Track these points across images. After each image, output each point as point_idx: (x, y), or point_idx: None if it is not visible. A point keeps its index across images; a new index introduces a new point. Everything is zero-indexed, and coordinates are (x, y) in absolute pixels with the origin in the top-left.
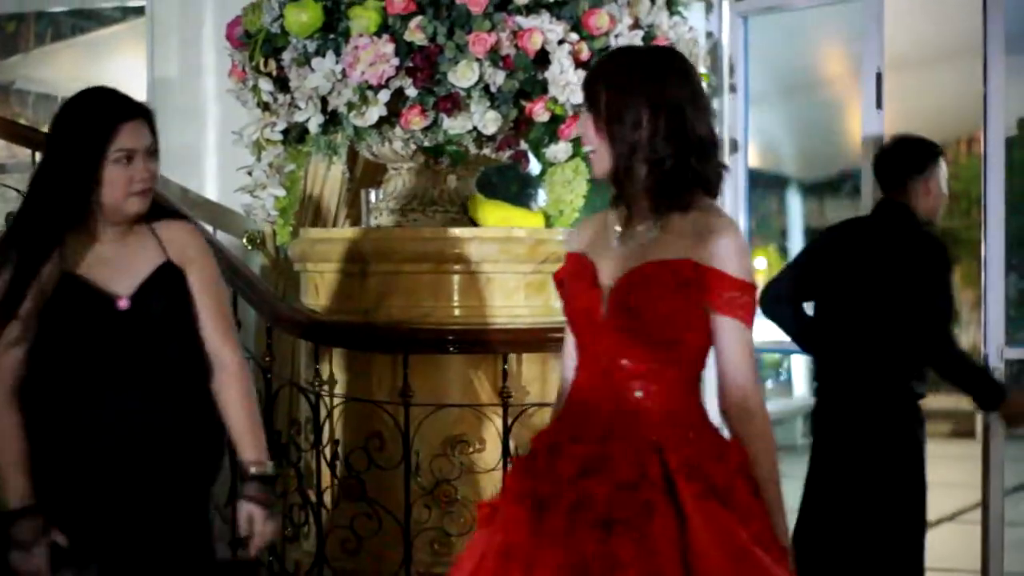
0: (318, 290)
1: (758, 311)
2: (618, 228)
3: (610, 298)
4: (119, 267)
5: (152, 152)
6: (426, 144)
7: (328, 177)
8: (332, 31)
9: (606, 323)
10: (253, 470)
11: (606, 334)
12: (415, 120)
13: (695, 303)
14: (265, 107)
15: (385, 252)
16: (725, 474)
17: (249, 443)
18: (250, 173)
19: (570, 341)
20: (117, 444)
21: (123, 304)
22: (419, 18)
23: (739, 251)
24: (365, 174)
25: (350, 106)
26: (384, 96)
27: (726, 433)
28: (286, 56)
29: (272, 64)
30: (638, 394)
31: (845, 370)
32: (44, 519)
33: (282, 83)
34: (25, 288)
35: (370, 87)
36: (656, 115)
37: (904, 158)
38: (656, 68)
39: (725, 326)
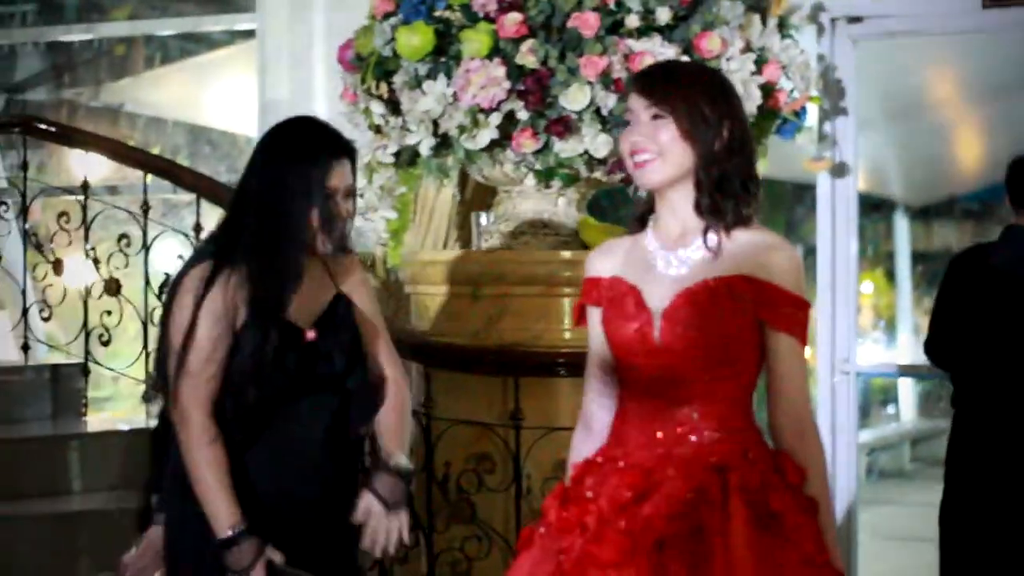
0: (428, 312)
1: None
2: (658, 248)
3: (664, 320)
4: (301, 298)
5: (350, 193)
6: (537, 167)
7: (439, 200)
8: (444, 54)
9: (660, 346)
10: (389, 461)
11: (660, 358)
12: (526, 143)
13: (752, 320)
14: (377, 130)
15: (495, 275)
16: (781, 498)
17: (393, 438)
18: (361, 195)
19: (598, 373)
20: (309, 465)
21: (311, 336)
22: (531, 41)
23: (795, 266)
24: (476, 197)
25: (461, 129)
26: (495, 119)
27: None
28: (397, 79)
29: (384, 87)
30: (694, 416)
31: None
32: (259, 539)
33: (393, 106)
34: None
35: (481, 110)
36: (733, 130)
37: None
38: (728, 84)
39: (781, 343)
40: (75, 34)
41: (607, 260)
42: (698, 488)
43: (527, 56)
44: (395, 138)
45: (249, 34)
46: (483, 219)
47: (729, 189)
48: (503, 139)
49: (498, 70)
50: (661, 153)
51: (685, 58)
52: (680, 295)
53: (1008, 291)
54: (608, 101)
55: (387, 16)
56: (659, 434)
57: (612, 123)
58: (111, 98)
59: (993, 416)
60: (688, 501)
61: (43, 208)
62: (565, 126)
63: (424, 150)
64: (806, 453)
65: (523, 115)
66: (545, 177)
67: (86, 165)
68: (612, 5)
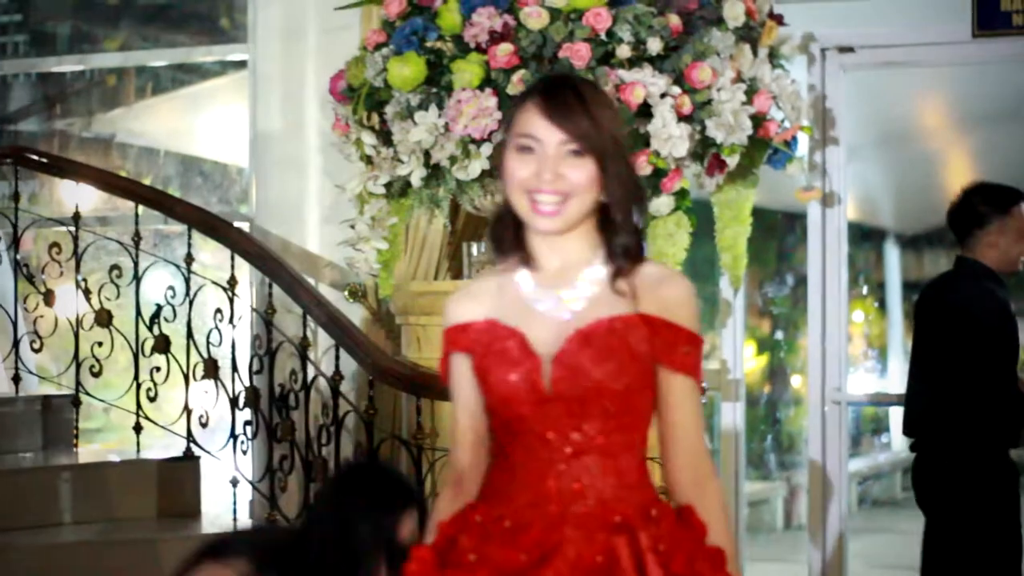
0: (420, 343)
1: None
2: (536, 288)
3: (555, 365)
4: None
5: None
6: None
7: (430, 230)
8: (435, 85)
9: (551, 394)
10: None
11: (552, 407)
12: None
13: (649, 363)
14: (368, 160)
15: None
16: (694, 556)
17: None
18: (352, 226)
19: (470, 425)
20: None
21: None
22: (522, 72)
23: (691, 298)
24: (467, 227)
25: (453, 160)
26: (487, 150)
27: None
28: (389, 110)
29: (375, 117)
30: (592, 469)
31: (936, 425)
32: None
33: (385, 136)
34: None
35: (473, 141)
36: (628, 156)
37: (965, 210)
38: (609, 100)
39: (677, 386)
40: (66, 65)
41: (473, 304)
42: (606, 551)
43: (519, 86)
44: (386, 169)
45: (241, 64)
46: (474, 250)
47: (631, 219)
48: (494, 169)
49: (490, 100)
50: (573, 195)
51: (676, 89)
52: (572, 338)
53: (966, 329)
54: None
55: (379, 47)
56: (555, 491)
57: None
58: (103, 129)
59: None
60: (598, 567)
61: (34, 239)
62: None
63: (415, 181)
64: (708, 503)
65: None
66: None
67: (77, 196)
68: (603, 36)
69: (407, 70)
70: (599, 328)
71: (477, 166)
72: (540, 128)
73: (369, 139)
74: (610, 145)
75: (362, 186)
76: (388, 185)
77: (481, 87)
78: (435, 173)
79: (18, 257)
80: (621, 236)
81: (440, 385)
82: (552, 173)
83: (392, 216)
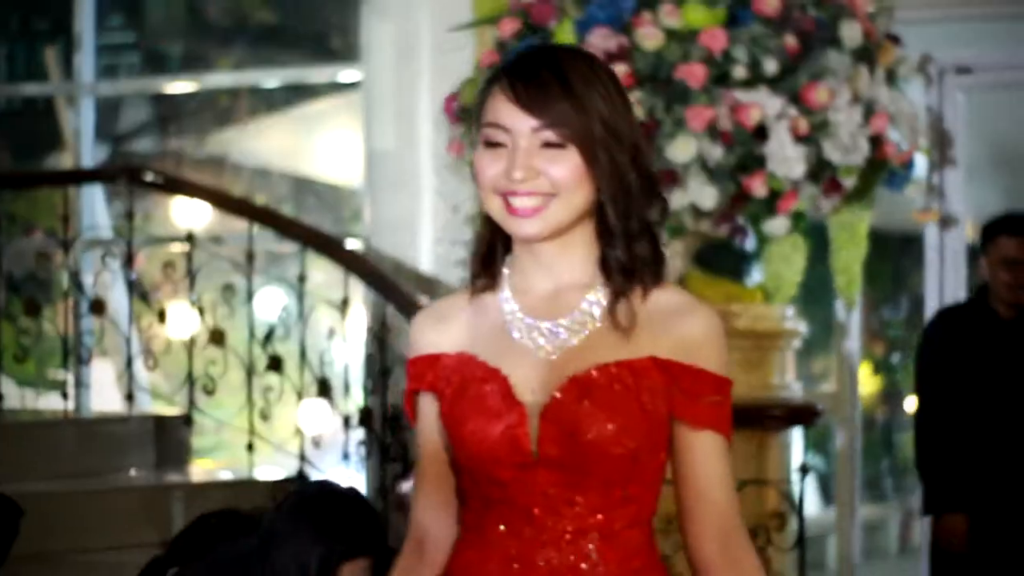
0: None
1: None
2: (520, 315)
3: (545, 421)
4: None
5: None
6: None
7: None
8: None
9: (539, 458)
10: None
11: (540, 474)
12: None
13: (664, 417)
14: None
15: None
16: None
17: None
18: (466, 246)
19: (434, 480)
20: None
21: None
22: (637, 93)
23: (719, 335)
24: None
25: None
26: None
27: None
28: None
29: None
30: (591, 550)
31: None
32: None
33: None
34: None
35: None
36: (637, 144)
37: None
38: (618, 82)
39: (701, 444)
40: (179, 85)
41: (442, 330)
42: None
43: (633, 107)
44: None
45: (354, 84)
46: None
47: (643, 234)
48: None
49: None
50: (556, 194)
51: (792, 110)
52: (567, 386)
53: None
54: (714, 153)
55: (492, 67)
56: (542, 564)
57: (718, 175)
58: (215, 148)
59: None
60: None
61: (148, 258)
62: (671, 178)
63: None
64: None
65: None
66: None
67: (191, 215)
68: (719, 57)
69: None
70: (601, 375)
71: None
72: (507, 115)
73: None
74: (600, 130)
75: (476, 206)
76: None
77: None
78: None
79: (132, 276)
80: (617, 249)
81: None
82: (524, 169)
83: None
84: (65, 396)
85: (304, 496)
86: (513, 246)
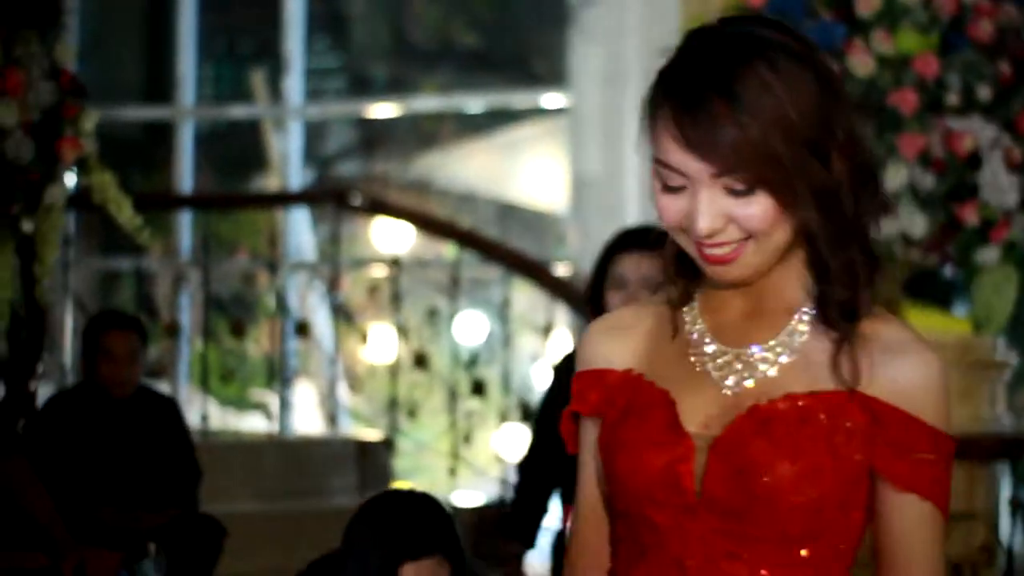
0: None
1: None
2: (709, 337)
3: (714, 457)
4: None
5: None
6: None
7: None
8: None
9: (702, 499)
10: None
11: (701, 518)
12: None
13: (861, 468)
14: None
15: None
16: None
17: None
18: None
19: (592, 533)
20: None
21: None
22: None
23: (939, 382)
24: None
25: None
26: None
27: None
28: None
29: None
30: None
31: None
32: None
33: None
34: None
35: None
36: (852, 152)
37: None
38: (827, 67)
39: (905, 510)
40: (384, 108)
41: (617, 341)
42: None
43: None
44: None
45: (559, 110)
46: None
47: (855, 257)
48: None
49: None
50: (751, 237)
51: (1006, 138)
52: (744, 417)
53: None
54: (925, 181)
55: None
56: None
57: (929, 203)
58: (420, 172)
59: None
60: None
61: (352, 281)
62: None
63: None
64: None
65: None
66: None
67: (395, 239)
68: (931, 83)
69: None
70: (788, 409)
71: None
72: (679, 159)
73: None
74: (788, 152)
75: None
76: None
77: None
78: None
79: (336, 299)
80: (835, 284)
81: None
82: (711, 220)
83: None
84: (269, 417)
85: (372, 501)
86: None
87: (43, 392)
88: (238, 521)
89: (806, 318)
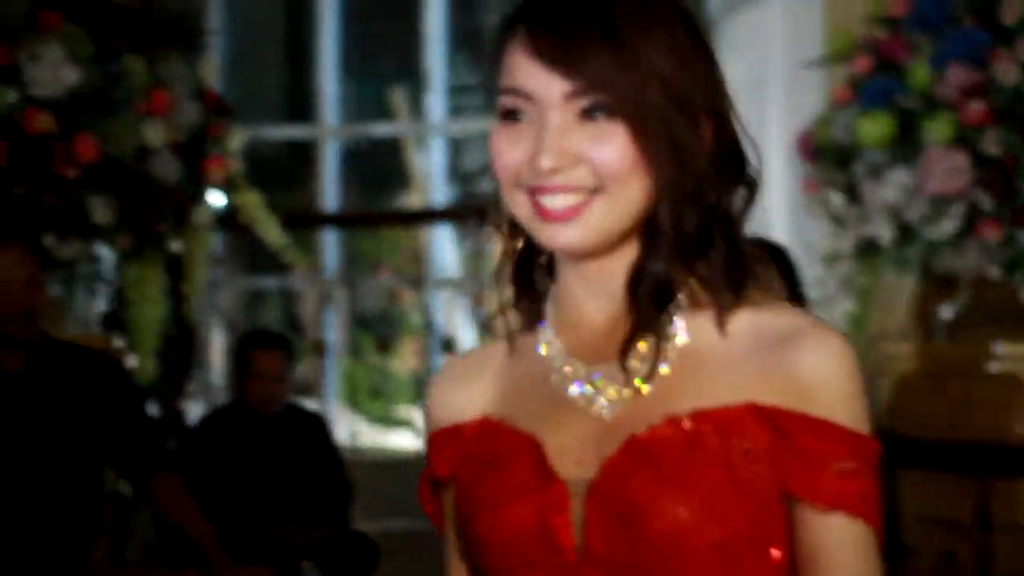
0: (891, 404)
1: None
2: (564, 358)
3: (591, 503)
4: None
5: None
6: (1001, 258)
7: (899, 289)
8: (904, 143)
9: (583, 555)
10: None
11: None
12: (990, 233)
13: (771, 493)
14: (835, 219)
15: (960, 369)
16: None
17: None
18: (821, 286)
19: None
20: None
21: None
22: (995, 129)
23: (851, 376)
24: (936, 287)
25: (924, 219)
26: (958, 209)
27: None
28: (857, 168)
29: (842, 176)
30: None
31: None
32: None
33: (853, 195)
34: None
35: (943, 200)
36: (720, 115)
37: None
38: (690, 20)
39: (831, 534)
40: None
41: (466, 388)
42: None
43: (991, 145)
44: (854, 228)
45: None
46: (945, 311)
47: (724, 234)
48: (966, 229)
49: (961, 159)
50: (601, 188)
51: None
52: (621, 452)
53: None
54: None
55: (845, 104)
56: None
57: None
58: None
59: None
60: None
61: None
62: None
63: (885, 241)
64: None
65: (987, 205)
66: (1009, 268)
67: None
68: None
69: (876, 128)
70: (672, 433)
71: (948, 226)
72: (528, 75)
73: (837, 198)
74: (658, 95)
75: (830, 245)
76: (856, 245)
77: (953, 145)
78: (905, 233)
79: (480, 315)
80: (715, 264)
81: (917, 450)
82: (557, 155)
83: (860, 276)
84: (416, 434)
85: None
86: (556, 264)
87: (192, 411)
88: (391, 539)
89: (679, 313)
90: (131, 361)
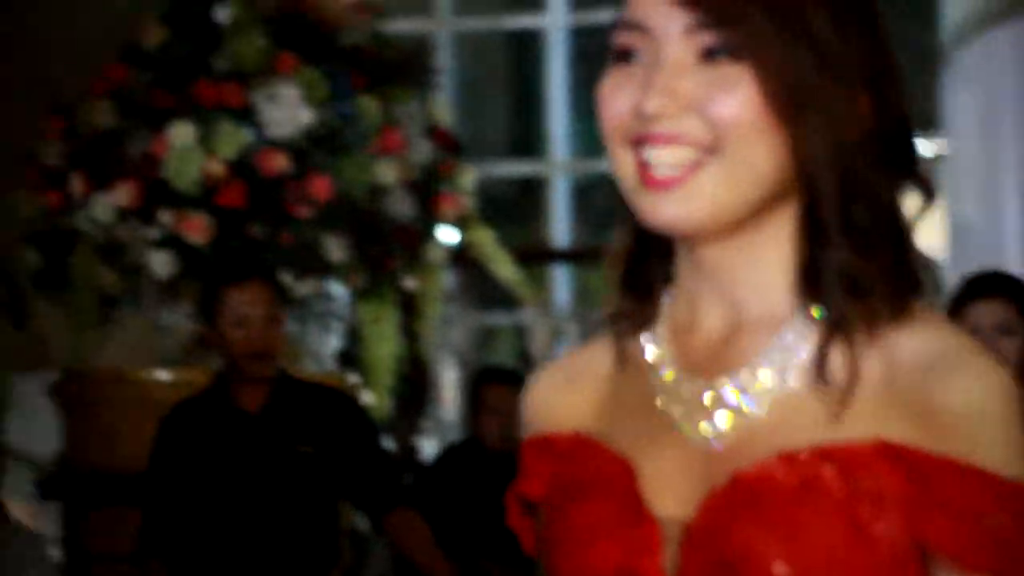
0: None
1: None
2: (674, 371)
3: (687, 546)
4: None
5: None
6: None
7: None
8: None
9: None
10: None
11: None
12: None
13: (898, 544)
14: None
15: None
16: None
17: None
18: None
19: None
20: None
21: None
22: None
23: (1002, 408)
24: None
25: None
26: None
27: None
28: None
29: None
30: None
31: None
32: None
33: None
34: None
35: None
36: (882, 88)
37: None
38: (879, 16)
39: None
40: None
41: (568, 394)
42: None
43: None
44: None
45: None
46: None
47: (891, 236)
48: None
49: None
50: (718, 146)
51: None
52: (725, 491)
53: None
54: None
55: None
56: None
57: None
58: None
59: None
60: None
61: None
62: None
63: None
64: None
65: None
66: None
67: None
68: None
69: None
70: (783, 472)
71: None
72: (648, 4)
73: None
74: (801, 45)
75: None
76: None
77: None
78: None
79: None
80: (835, 253)
81: None
82: (666, 95)
83: None
84: None
85: None
86: (675, 257)
87: (426, 447)
88: None
89: (802, 329)
90: (365, 398)
